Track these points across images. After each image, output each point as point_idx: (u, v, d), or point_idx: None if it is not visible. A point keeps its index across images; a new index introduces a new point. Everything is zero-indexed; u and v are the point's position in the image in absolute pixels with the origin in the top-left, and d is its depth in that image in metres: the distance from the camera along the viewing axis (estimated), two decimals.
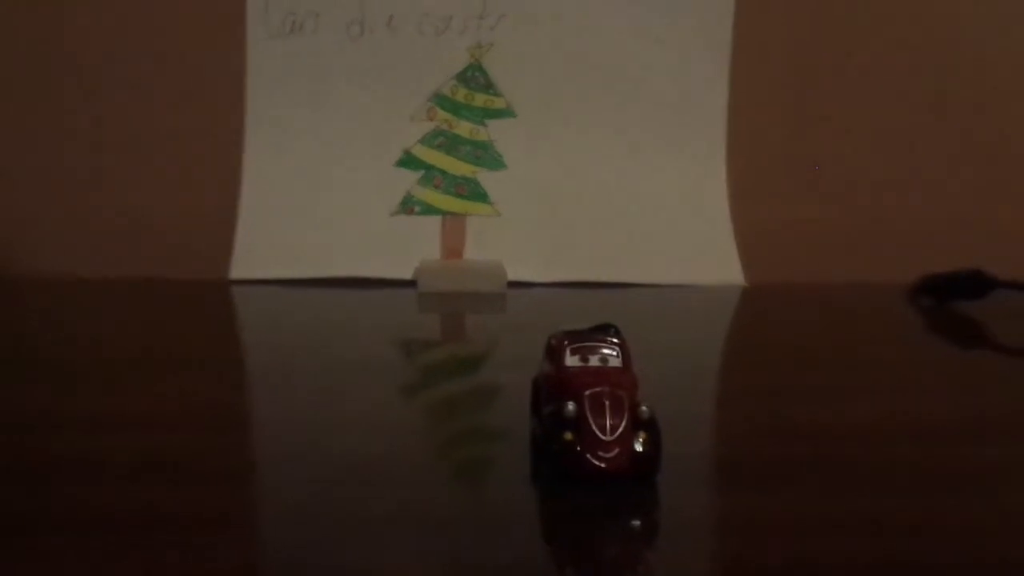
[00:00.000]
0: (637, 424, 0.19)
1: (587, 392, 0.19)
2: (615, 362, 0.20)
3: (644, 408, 0.19)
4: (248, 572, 0.16)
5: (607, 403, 0.19)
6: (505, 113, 0.51)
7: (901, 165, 0.54)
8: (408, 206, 0.50)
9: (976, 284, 0.42)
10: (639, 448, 0.19)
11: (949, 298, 0.43)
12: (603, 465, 0.19)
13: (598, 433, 0.19)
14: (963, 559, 0.16)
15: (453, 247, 0.50)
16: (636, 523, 0.19)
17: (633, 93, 0.52)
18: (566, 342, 0.21)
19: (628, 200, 0.49)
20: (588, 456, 0.19)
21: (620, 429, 0.19)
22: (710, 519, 0.19)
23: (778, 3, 0.53)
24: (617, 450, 0.19)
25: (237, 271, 0.47)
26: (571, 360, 0.20)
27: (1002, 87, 0.54)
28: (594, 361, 0.20)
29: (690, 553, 0.17)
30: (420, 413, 0.25)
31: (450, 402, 0.26)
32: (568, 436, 0.19)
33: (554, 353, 0.21)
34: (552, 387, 0.20)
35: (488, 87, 0.51)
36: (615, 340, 0.21)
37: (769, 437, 0.23)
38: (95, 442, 0.22)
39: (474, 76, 0.51)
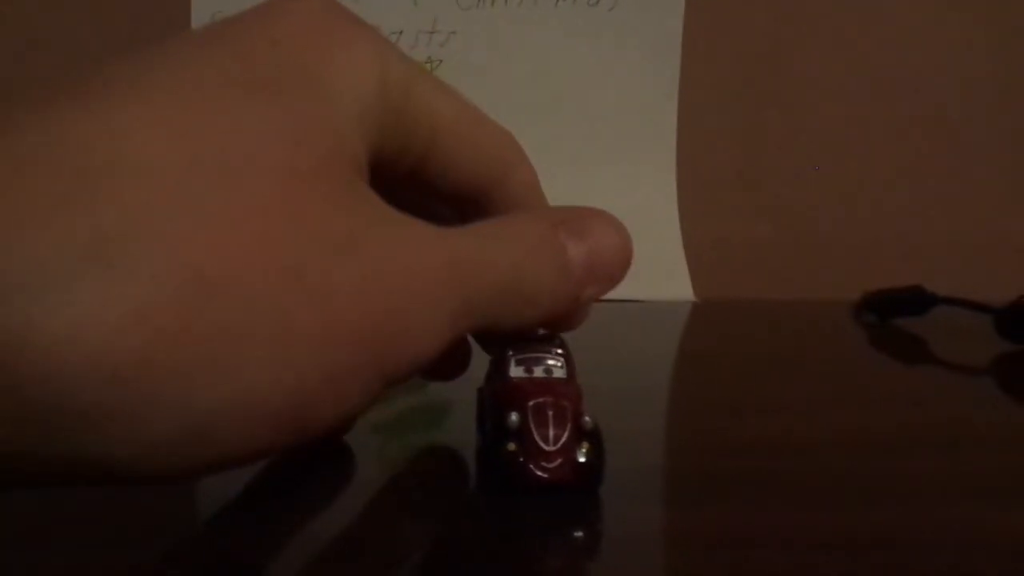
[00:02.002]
0: (580, 435, 0.19)
1: (530, 403, 0.19)
2: (560, 373, 0.20)
3: (587, 419, 0.19)
4: None
5: (550, 414, 0.19)
6: None
7: (845, 184, 0.55)
8: None
9: (917, 300, 0.43)
10: (582, 459, 0.19)
11: (891, 314, 0.44)
12: (545, 475, 0.18)
13: (541, 444, 0.19)
14: (905, 570, 0.16)
15: None
16: (579, 535, 0.18)
17: (583, 110, 0.52)
18: (510, 353, 0.21)
19: None
20: (531, 467, 0.18)
21: (563, 439, 0.19)
22: (654, 532, 0.19)
23: (727, 23, 0.54)
24: (560, 460, 0.18)
25: None
26: (515, 371, 0.20)
27: (943, 107, 0.55)
28: (538, 372, 0.20)
29: (633, 565, 0.17)
30: (365, 428, 0.25)
31: (397, 416, 0.25)
32: (511, 447, 0.19)
33: (498, 364, 0.21)
34: (496, 398, 0.20)
35: None
36: (559, 351, 0.21)
37: (715, 451, 0.23)
38: None
39: None
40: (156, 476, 0.14)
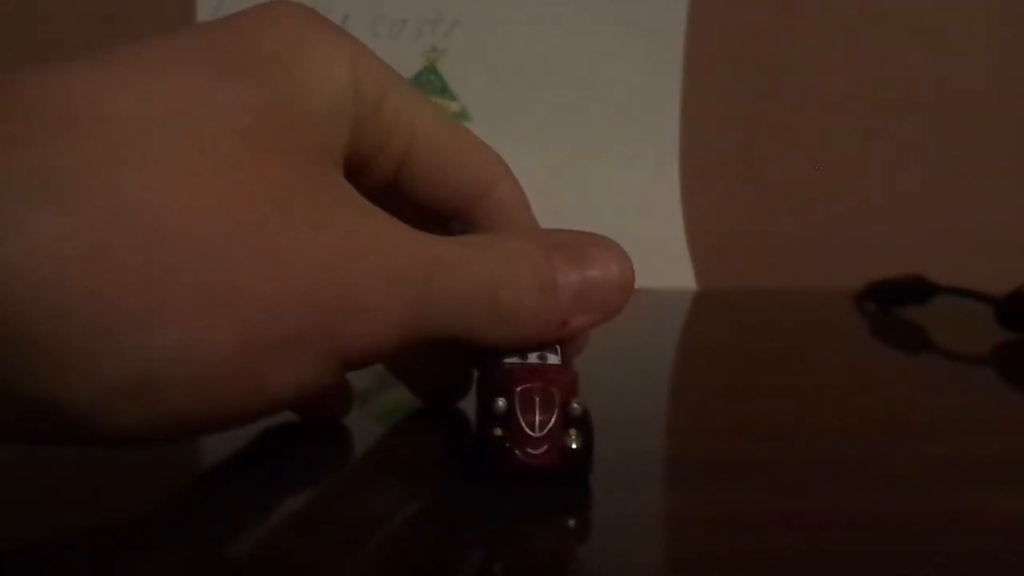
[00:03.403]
0: (569, 421, 0.19)
1: (518, 388, 0.19)
2: (554, 359, 0.20)
3: (576, 405, 0.19)
4: None
5: (537, 399, 0.19)
6: (460, 117, 0.51)
7: (847, 174, 0.55)
8: None
9: (918, 290, 0.43)
10: (570, 445, 0.19)
11: (893, 304, 0.44)
12: (530, 461, 0.18)
13: (527, 429, 0.18)
14: (900, 550, 0.16)
15: None
16: (572, 517, 0.18)
17: (586, 99, 0.52)
18: None
19: (581, 204, 0.50)
20: (516, 452, 0.18)
21: (549, 425, 0.19)
22: (649, 513, 0.19)
23: (732, 12, 0.54)
24: (546, 447, 0.18)
25: None
26: (510, 357, 0.20)
27: (945, 96, 0.55)
28: (533, 358, 0.20)
29: (629, 547, 0.17)
30: (366, 416, 0.25)
31: (397, 401, 0.25)
32: (497, 432, 0.19)
33: (492, 352, 0.20)
34: (488, 384, 0.20)
35: (443, 91, 0.51)
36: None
37: (715, 436, 0.24)
38: None
39: (429, 80, 0.51)
40: (115, 435, 0.14)
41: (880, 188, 0.55)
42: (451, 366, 0.24)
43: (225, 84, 0.16)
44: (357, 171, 0.19)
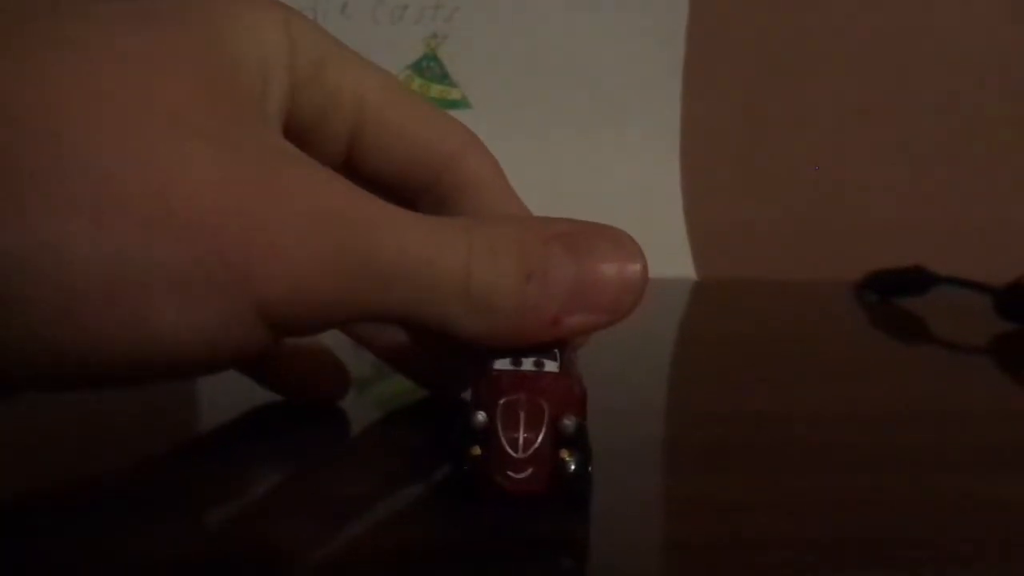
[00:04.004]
0: (560, 440, 0.16)
1: (501, 400, 0.16)
2: (552, 367, 0.17)
3: (567, 421, 0.16)
4: None
5: (521, 414, 0.16)
6: (460, 104, 0.51)
7: (846, 166, 0.55)
8: None
9: (918, 280, 0.43)
10: (563, 469, 0.16)
11: (892, 294, 0.44)
12: (510, 487, 0.16)
13: (508, 449, 0.16)
14: (899, 535, 0.17)
15: None
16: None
17: (587, 88, 0.52)
18: None
19: (581, 193, 0.50)
20: (496, 475, 0.16)
21: (535, 445, 0.16)
22: (650, 498, 0.19)
23: (734, 1, 0.54)
24: (530, 470, 0.16)
25: None
26: (501, 363, 0.17)
27: (944, 90, 0.55)
28: (527, 365, 0.17)
29: (628, 530, 0.17)
30: (364, 403, 0.25)
31: (398, 389, 0.25)
32: (475, 451, 0.16)
33: (484, 354, 0.18)
34: (476, 393, 0.17)
35: (443, 78, 0.51)
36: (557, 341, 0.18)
37: (714, 423, 0.24)
38: None
39: (429, 66, 0.51)
40: (47, 365, 0.14)
41: (880, 179, 0.55)
42: (451, 362, 0.23)
43: (142, 31, 0.15)
44: (303, 140, 0.18)
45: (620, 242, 0.17)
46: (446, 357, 0.22)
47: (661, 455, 0.22)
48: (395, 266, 0.15)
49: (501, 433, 0.16)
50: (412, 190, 0.20)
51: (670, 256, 0.50)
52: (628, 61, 0.52)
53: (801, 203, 0.55)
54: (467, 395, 0.19)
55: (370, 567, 0.15)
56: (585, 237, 0.17)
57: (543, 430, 0.16)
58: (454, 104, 0.51)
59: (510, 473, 0.16)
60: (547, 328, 0.17)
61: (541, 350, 0.17)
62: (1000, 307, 0.38)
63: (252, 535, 0.16)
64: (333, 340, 0.23)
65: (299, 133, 0.19)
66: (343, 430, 0.23)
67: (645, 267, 0.17)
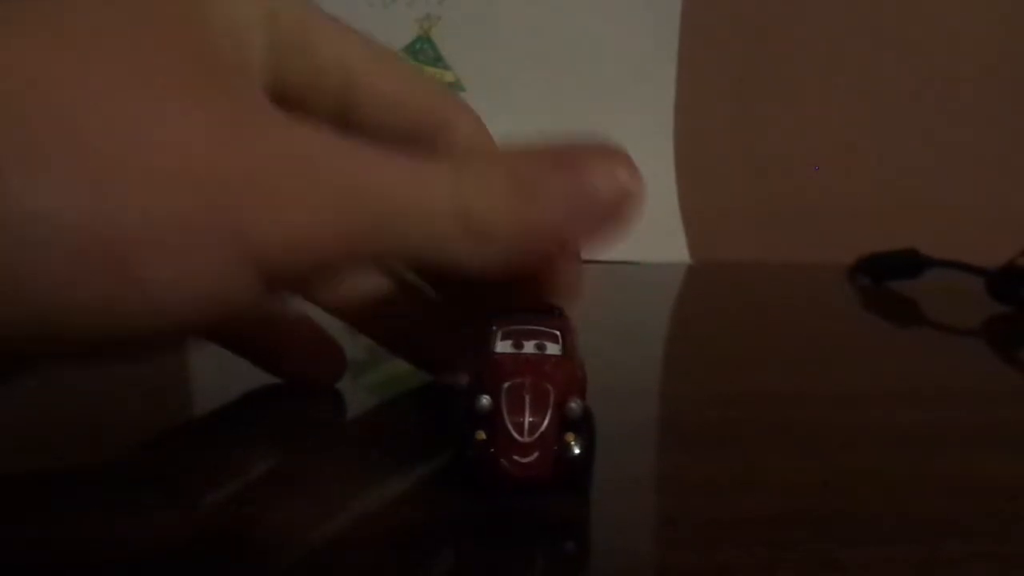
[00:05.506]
0: (565, 423, 0.16)
1: (505, 384, 0.16)
2: (554, 350, 0.17)
3: (574, 404, 0.16)
4: None
5: (527, 397, 0.16)
6: (454, 87, 0.51)
7: (839, 148, 0.55)
8: None
9: (911, 263, 0.43)
10: (567, 452, 0.16)
11: (886, 277, 0.44)
12: (516, 472, 0.16)
13: (514, 433, 0.16)
14: (891, 511, 0.17)
15: None
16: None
17: (581, 71, 0.52)
18: (494, 327, 0.18)
19: None
20: (501, 460, 0.16)
21: (541, 428, 0.16)
22: (647, 477, 0.19)
23: None
24: (536, 454, 0.16)
25: None
26: (502, 346, 0.17)
27: (937, 73, 0.55)
28: (529, 348, 0.17)
29: (624, 508, 0.17)
30: (360, 386, 0.25)
31: (390, 377, 0.25)
32: (480, 435, 0.16)
33: (484, 338, 0.18)
34: (478, 378, 0.17)
35: (437, 60, 0.51)
36: (558, 323, 0.18)
37: (709, 404, 0.24)
38: None
39: (423, 49, 0.51)
40: (49, 338, 0.14)
41: (874, 162, 0.55)
42: (448, 340, 0.23)
43: (117, 4, 0.15)
44: (292, 109, 0.17)
45: (607, 151, 0.17)
46: (444, 330, 0.23)
47: (656, 436, 0.22)
48: (388, 203, 0.15)
49: (506, 417, 0.16)
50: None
51: (665, 240, 0.50)
52: (622, 45, 0.52)
53: (795, 187, 0.55)
54: (465, 379, 0.19)
55: (367, 551, 0.15)
56: (573, 151, 0.17)
57: (549, 413, 0.16)
58: (448, 87, 0.51)
59: (516, 458, 0.16)
60: (549, 244, 0.17)
61: (542, 331, 0.17)
62: (992, 289, 0.38)
63: (247, 518, 0.16)
64: (328, 327, 0.23)
65: (287, 102, 0.18)
66: (339, 414, 0.23)
67: (637, 172, 0.17)
